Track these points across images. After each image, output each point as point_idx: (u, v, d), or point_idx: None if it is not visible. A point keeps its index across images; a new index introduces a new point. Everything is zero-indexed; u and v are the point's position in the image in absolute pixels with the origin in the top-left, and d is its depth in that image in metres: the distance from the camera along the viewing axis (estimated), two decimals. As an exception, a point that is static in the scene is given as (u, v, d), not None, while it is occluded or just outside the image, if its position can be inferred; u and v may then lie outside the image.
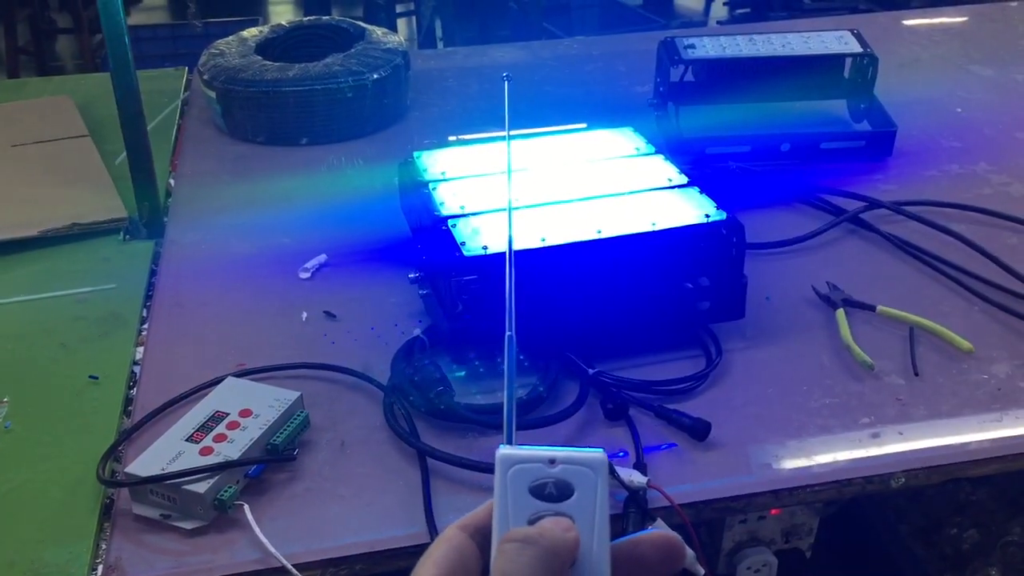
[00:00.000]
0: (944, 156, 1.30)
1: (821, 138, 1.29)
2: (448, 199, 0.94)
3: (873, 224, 1.12)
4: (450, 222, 0.90)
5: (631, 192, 0.94)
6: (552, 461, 0.40)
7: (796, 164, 1.27)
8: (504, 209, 0.91)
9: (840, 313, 0.96)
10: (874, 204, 1.15)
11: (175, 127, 1.41)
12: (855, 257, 1.08)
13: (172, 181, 1.26)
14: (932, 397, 0.87)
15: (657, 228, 0.87)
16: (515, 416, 0.42)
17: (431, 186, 0.97)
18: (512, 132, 1.24)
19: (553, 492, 0.39)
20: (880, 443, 0.82)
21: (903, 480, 0.80)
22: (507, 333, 0.44)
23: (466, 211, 0.91)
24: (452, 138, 1.24)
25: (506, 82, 0.63)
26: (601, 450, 0.40)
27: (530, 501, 0.39)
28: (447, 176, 0.99)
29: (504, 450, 0.40)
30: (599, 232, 0.87)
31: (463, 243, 0.86)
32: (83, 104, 1.43)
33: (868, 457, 0.81)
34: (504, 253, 0.84)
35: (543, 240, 0.86)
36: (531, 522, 0.39)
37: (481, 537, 0.40)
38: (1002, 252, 1.05)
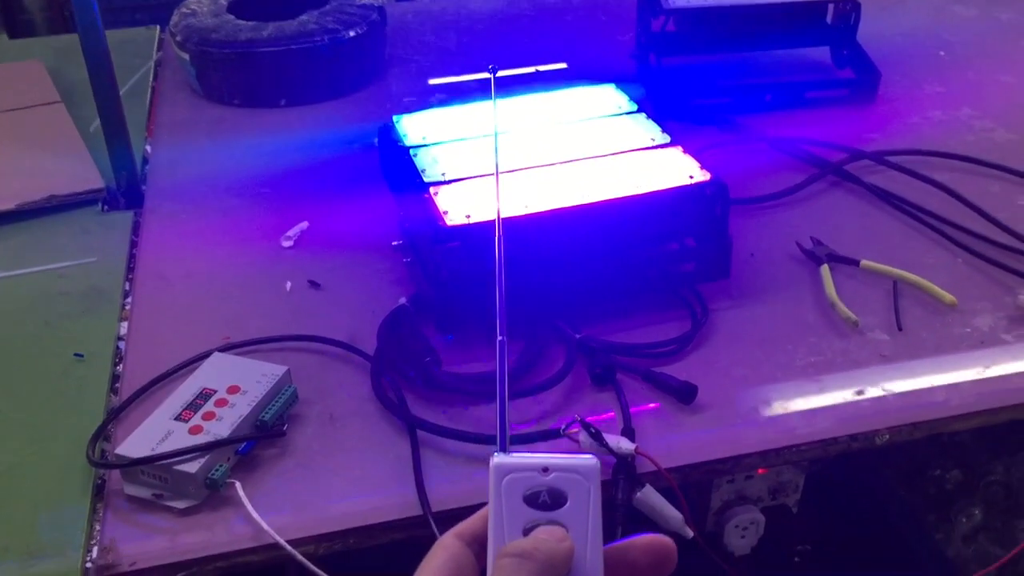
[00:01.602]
0: (927, 102, 1.29)
1: (804, 87, 1.28)
2: (429, 165, 0.93)
3: (856, 175, 1.12)
4: (432, 189, 0.89)
5: (613, 153, 0.94)
6: (545, 469, 0.40)
7: (780, 113, 1.26)
8: (489, 174, 0.90)
9: (824, 269, 0.96)
10: (857, 155, 1.14)
11: (149, 90, 1.38)
12: (839, 210, 1.08)
13: (148, 147, 1.25)
14: (916, 352, 0.88)
15: (640, 191, 0.87)
16: (507, 421, 0.42)
17: (412, 152, 0.96)
18: (491, 74, 1.23)
19: (547, 500, 0.40)
20: (864, 400, 0.83)
21: (887, 437, 0.81)
22: (498, 338, 0.44)
23: (448, 178, 0.91)
24: (433, 81, 1.23)
25: (492, 76, 0.62)
26: (592, 456, 0.41)
27: (525, 510, 0.40)
28: (428, 141, 0.98)
29: (498, 459, 0.41)
30: (582, 197, 0.86)
31: (445, 211, 0.86)
32: (54, 68, 1.40)
33: (853, 415, 0.82)
34: (489, 222, 0.83)
35: (526, 207, 0.85)
36: (526, 531, 0.40)
37: (477, 545, 0.40)
38: (985, 201, 1.06)
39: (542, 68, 1.26)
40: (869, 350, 0.88)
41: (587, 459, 0.41)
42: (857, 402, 0.83)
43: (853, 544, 1.27)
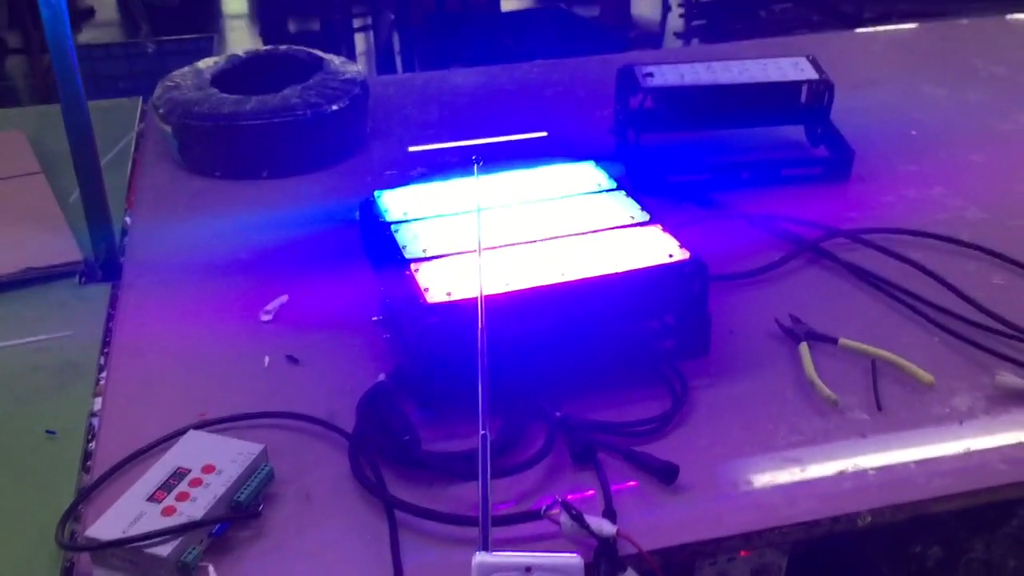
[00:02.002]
0: (901, 181, 1.31)
1: (780, 164, 1.30)
2: (410, 241, 0.93)
3: (833, 253, 1.13)
4: (413, 266, 0.89)
5: (593, 231, 0.94)
6: (528, 569, 0.40)
7: (757, 191, 1.28)
8: (470, 251, 0.90)
9: (803, 347, 0.97)
10: (833, 233, 1.16)
11: (130, 161, 1.38)
12: (816, 287, 1.09)
13: (128, 219, 1.24)
14: (895, 432, 0.88)
15: (619, 270, 0.87)
16: (489, 521, 0.42)
17: (393, 227, 0.96)
18: (473, 142, 1.24)
19: None
20: (845, 480, 0.83)
21: (869, 519, 0.80)
22: (480, 432, 0.44)
23: (429, 254, 0.91)
24: (413, 149, 1.23)
25: (475, 166, 0.63)
26: (576, 555, 0.40)
27: None
28: (409, 216, 0.98)
29: (480, 557, 0.40)
30: (562, 275, 0.86)
31: (426, 288, 0.85)
32: (36, 137, 1.40)
33: (835, 495, 0.81)
34: (469, 300, 0.83)
35: (506, 285, 0.85)
36: None
37: None
38: (960, 280, 1.07)
39: (522, 136, 1.27)
40: (849, 429, 0.88)
41: (570, 558, 0.41)
42: (838, 482, 0.83)
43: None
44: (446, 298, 0.84)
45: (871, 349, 0.96)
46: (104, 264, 1.12)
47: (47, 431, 0.87)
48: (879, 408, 0.90)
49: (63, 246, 1.13)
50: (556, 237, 0.94)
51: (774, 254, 1.13)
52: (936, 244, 1.16)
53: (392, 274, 0.91)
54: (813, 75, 1.35)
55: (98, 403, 0.92)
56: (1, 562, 0.75)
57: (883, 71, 1.70)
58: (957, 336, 0.99)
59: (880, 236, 1.16)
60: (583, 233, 0.94)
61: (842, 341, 0.98)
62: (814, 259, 1.14)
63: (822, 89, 1.35)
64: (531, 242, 0.93)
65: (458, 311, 0.83)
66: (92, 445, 0.87)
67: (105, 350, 1.00)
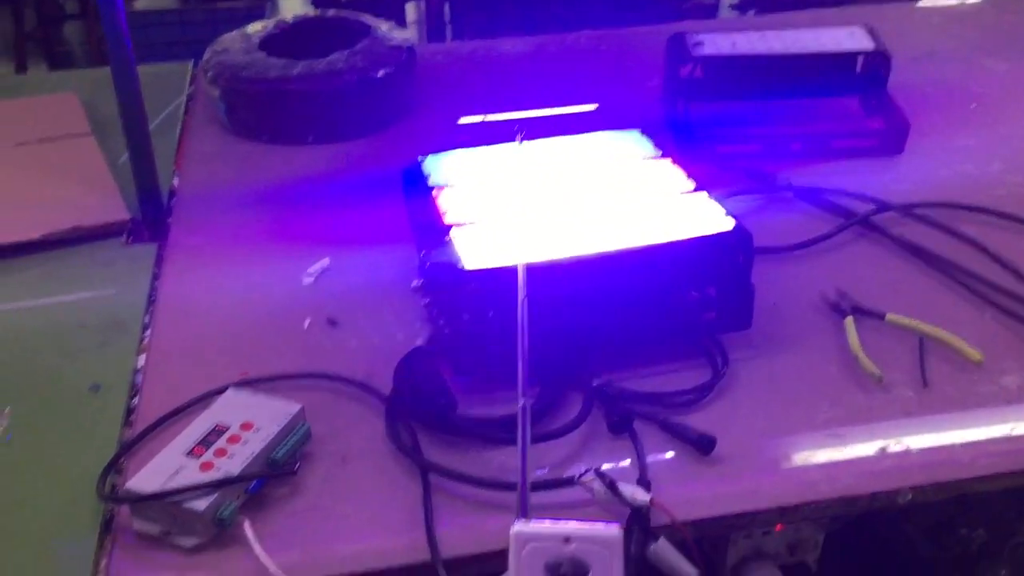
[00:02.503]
0: (958, 155, 1.28)
1: (831, 136, 1.27)
2: (451, 207, 0.93)
3: (883, 227, 1.11)
4: (452, 232, 0.89)
5: (637, 200, 0.93)
6: (567, 539, 0.40)
7: (807, 162, 1.25)
8: (513, 218, 0.90)
9: (849, 321, 0.95)
10: (884, 207, 1.13)
11: (179, 124, 1.40)
12: (865, 262, 1.07)
13: (176, 181, 1.25)
14: (941, 410, 0.86)
15: (663, 240, 0.86)
16: (528, 491, 0.41)
17: (435, 193, 0.96)
18: (523, 114, 1.23)
19: (568, 570, 0.40)
20: (887, 458, 0.81)
21: (909, 496, 0.79)
22: (520, 401, 0.43)
23: (468, 220, 0.90)
24: (463, 120, 1.23)
25: (519, 139, 0.63)
26: (615, 526, 0.40)
27: None
28: (451, 182, 0.98)
29: (518, 527, 0.40)
30: (604, 245, 0.85)
31: (464, 254, 0.85)
32: (91, 100, 1.41)
33: (875, 472, 0.80)
34: (508, 267, 0.83)
35: (547, 254, 0.85)
36: None
37: None
38: (1016, 257, 1.04)
39: (573, 109, 1.26)
40: (893, 406, 0.86)
41: (609, 529, 0.40)
42: (879, 459, 0.81)
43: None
44: (483, 264, 0.83)
45: (919, 325, 0.94)
46: (151, 224, 1.13)
47: (92, 386, 0.89)
48: (925, 385, 0.88)
49: (111, 206, 1.15)
50: (599, 206, 0.92)
51: (822, 227, 1.11)
52: (992, 220, 1.12)
53: (431, 239, 0.91)
54: (869, 45, 1.31)
55: (142, 360, 0.93)
56: (45, 513, 0.77)
57: (943, 44, 1.65)
58: (1009, 314, 0.96)
59: (933, 210, 1.13)
60: (627, 202, 0.93)
61: (889, 316, 0.96)
62: (864, 233, 1.12)
63: (878, 60, 1.31)
64: (574, 210, 0.92)
65: (495, 278, 0.82)
66: (135, 401, 0.88)
67: (150, 308, 1.01)
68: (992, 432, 0.84)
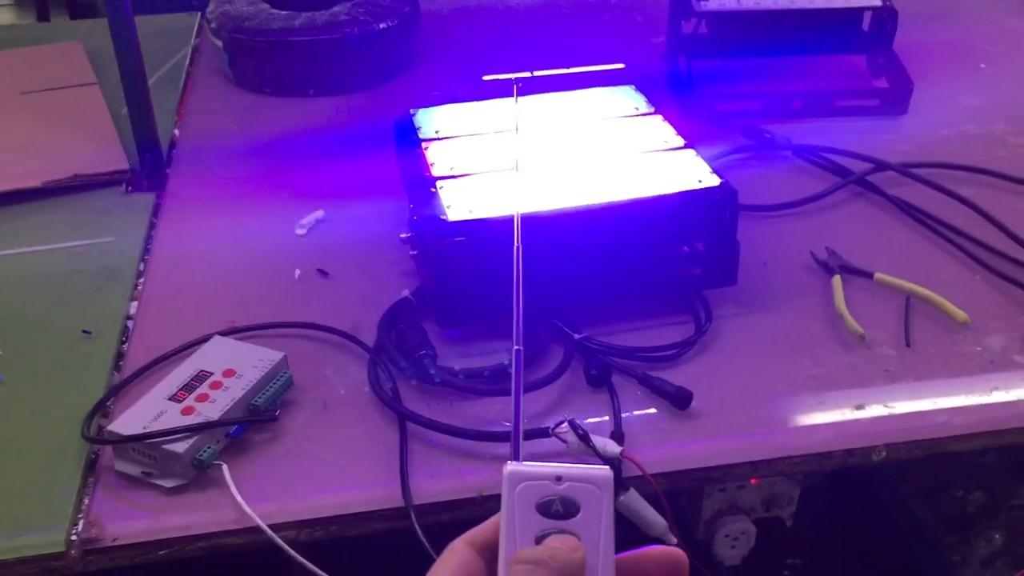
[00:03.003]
0: (961, 114, 1.26)
1: (834, 95, 1.26)
2: (439, 159, 0.93)
3: (880, 187, 1.10)
4: (438, 183, 0.89)
5: (625, 155, 0.93)
6: (559, 478, 0.40)
7: (808, 120, 1.24)
8: (497, 171, 0.90)
9: (836, 280, 0.95)
10: (881, 166, 1.12)
11: (184, 75, 1.40)
12: (858, 221, 1.06)
13: (177, 131, 1.26)
14: (922, 369, 0.86)
15: (648, 194, 0.86)
16: (521, 433, 0.43)
17: (424, 145, 0.96)
18: (546, 72, 1.22)
19: (559, 509, 0.40)
20: (864, 415, 0.81)
21: (884, 454, 0.79)
22: (515, 347, 0.44)
23: (455, 172, 0.91)
24: (487, 77, 1.22)
25: (515, 87, 0.63)
26: (607, 467, 0.41)
27: (537, 518, 0.40)
28: (440, 135, 0.98)
29: (511, 466, 0.41)
30: (589, 198, 0.86)
31: (449, 206, 0.86)
32: (100, 49, 1.42)
33: (851, 430, 0.80)
34: (493, 219, 0.83)
35: (531, 206, 0.85)
36: (538, 539, 0.40)
37: (488, 553, 0.40)
38: (1010, 219, 1.03)
39: (598, 68, 1.26)
40: (874, 365, 0.86)
41: (601, 469, 0.41)
42: (857, 417, 0.81)
43: (854, 560, 1.25)
44: (468, 216, 0.84)
45: (907, 284, 0.94)
46: (150, 174, 1.14)
47: (83, 331, 0.91)
48: (908, 345, 0.88)
49: (111, 155, 1.16)
50: (585, 160, 0.92)
51: (818, 186, 1.10)
52: (990, 181, 1.11)
53: (419, 191, 0.91)
54: (876, 2, 1.29)
55: (134, 307, 0.95)
56: (33, 452, 0.78)
57: (960, 3, 1.62)
58: (999, 275, 0.96)
59: (931, 171, 1.12)
60: (614, 157, 0.93)
61: (878, 276, 0.95)
62: (860, 192, 1.11)
63: (885, 16, 1.30)
64: (560, 164, 0.92)
65: (478, 229, 0.83)
66: (125, 346, 0.90)
67: (145, 257, 1.02)
68: (972, 392, 0.83)
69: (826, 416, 0.81)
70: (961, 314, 0.90)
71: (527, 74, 1.21)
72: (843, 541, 1.25)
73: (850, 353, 0.88)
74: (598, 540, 0.40)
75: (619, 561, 0.39)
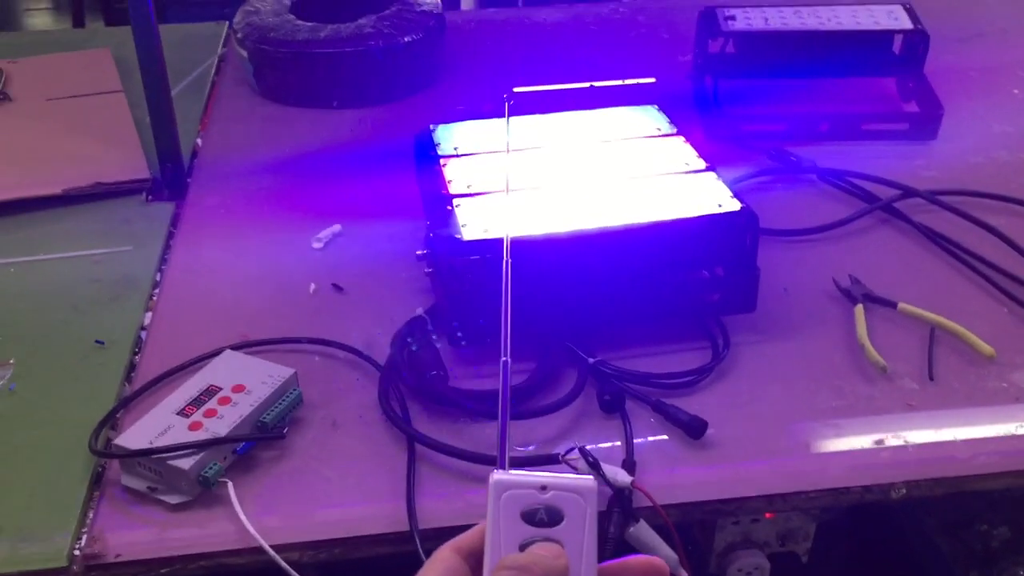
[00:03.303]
0: (994, 141, 1.24)
1: (861, 118, 1.24)
2: (456, 177, 0.92)
3: (906, 214, 1.08)
4: (455, 201, 0.88)
5: (645, 176, 0.92)
6: (544, 487, 0.41)
7: (835, 144, 1.22)
8: (515, 190, 0.89)
9: (859, 309, 0.93)
10: (909, 193, 1.10)
11: (209, 84, 1.41)
12: (883, 248, 1.04)
13: (199, 141, 1.26)
14: (944, 404, 0.84)
15: (667, 218, 0.85)
16: (508, 440, 0.43)
17: (442, 162, 0.95)
18: (575, 85, 1.22)
19: (544, 518, 0.41)
20: (884, 451, 0.79)
21: (904, 491, 0.77)
22: (502, 359, 0.45)
23: (473, 191, 0.90)
24: (517, 90, 1.21)
25: (507, 104, 0.63)
26: (591, 477, 0.42)
27: (521, 526, 0.41)
28: (460, 151, 0.97)
29: (497, 475, 0.41)
30: (607, 220, 0.84)
31: (464, 225, 0.85)
32: (129, 56, 1.41)
33: (869, 464, 0.78)
34: (504, 239, 0.82)
35: (549, 227, 0.84)
36: (522, 547, 0.40)
37: (474, 559, 0.41)
38: (1040, 250, 1.00)
39: (628, 82, 1.25)
40: (895, 398, 0.84)
41: (585, 479, 0.42)
42: (876, 451, 0.79)
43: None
44: (483, 235, 0.83)
45: (931, 316, 0.92)
46: (170, 183, 1.14)
47: (97, 341, 0.90)
48: (931, 378, 0.86)
49: (133, 164, 1.16)
50: (604, 180, 0.91)
51: (843, 211, 1.09)
52: (1019, 210, 1.09)
53: (436, 209, 0.90)
54: (908, 25, 1.27)
55: (148, 318, 0.95)
56: (41, 462, 0.78)
57: (994, 24, 1.60)
58: (1027, 309, 0.94)
59: (960, 199, 1.10)
60: (633, 178, 0.91)
61: (901, 306, 0.93)
62: (886, 219, 1.09)
63: (916, 40, 1.27)
64: (579, 184, 0.91)
65: (492, 249, 0.81)
66: (137, 357, 0.90)
67: (162, 267, 1.02)
68: (995, 429, 0.81)
69: (844, 450, 0.80)
70: (987, 348, 0.88)
71: (556, 87, 1.21)
72: (860, 573, 1.22)
73: (871, 385, 0.86)
74: (581, 548, 0.40)
75: (601, 570, 0.40)
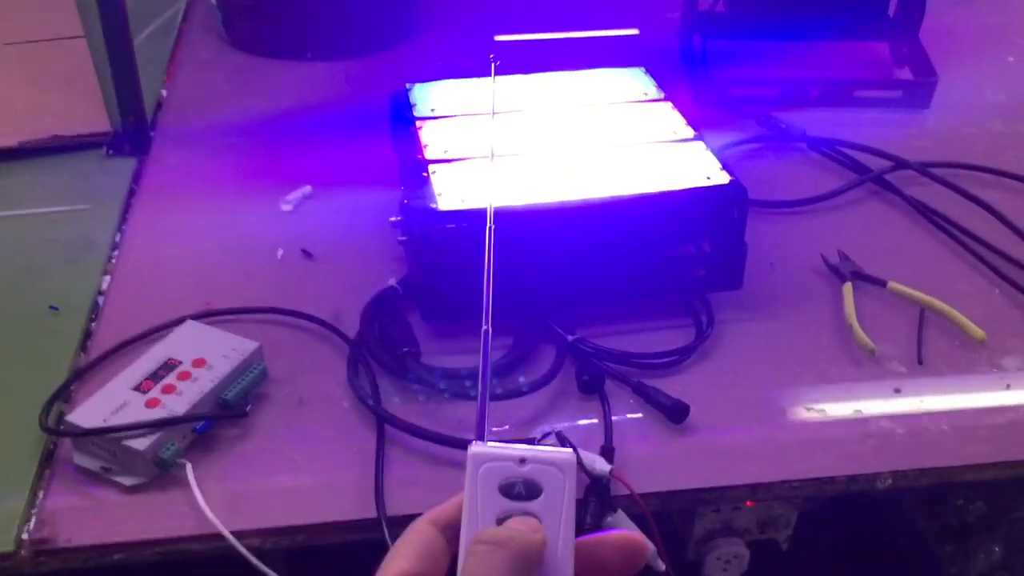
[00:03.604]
0: (988, 110, 1.21)
1: (854, 84, 1.20)
2: (432, 141, 0.88)
3: (898, 186, 1.04)
4: (431, 168, 0.84)
5: (630, 144, 0.87)
6: (522, 460, 0.41)
7: (826, 110, 1.18)
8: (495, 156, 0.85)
9: (847, 288, 0.90)
10: (900, 164, 1.06)
11: (176, 31, 1.34)
12: (874, 223, 1.01)
13: (164, 91, 1.21)
14: (933, 390, 0.81)
15: (651, 190, 0.81)
16: (487, 413, 0.42)
17: (418, 124, 0.91)
18: (560, 35, 1.17)
19: (522, 491, 0.40)
20: (869, 439, 0.77)
21: (889, 481, 0.75)
22: (483, 327, 0.44)
23: (449, 156, 0.85)
24: (499, 38, 1.15)
25: (493, 65, 0.59)
26: (570, 450, 0.42)
27: (499, 499, 0.40)
28: (436, 113, 0.92)
29: (475, 448, 0.41)
30: (589, 191, 0.80)
31: (440, 193, 0.80)
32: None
33: (855, 453, 0.76)
34: (483, 209, 0.78)
35: (528, 197, 0.80)
36: (500, 520, 0.40)
37: (451, 532, 0.40)
38: (1034, 227, 0.98)
39: (611, 33, 1.20)
40: (883, 382, 0.82)
41: (564, 452, 0.41)
42: (862, 440, 0.77)
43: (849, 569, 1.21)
44: (459, 205, 0.79)
45: (922, 296, 0.89)
46: (132, 137, 1.09)
47: (51, 307, 0.86)
48: (920, 362, 0.83)
49: (93, 115, 1.10)
50: (588, 148, 0.87)
51: (833, 182, 1.05)
52: (1016, 185, 1.06)
53: (411, 174, 0.86)
54: (904, -14, 1.23)
55: (106, 281, 0.90)
56: (-12, 438, 0.74)
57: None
58: (1020, 289, 0.91)
59: (952, 171, 1.06)
60: (618, 146, 0.87)
61: (891, 284, 0.90)
62: (876, 191, 1.05)
63: (911, 3, 1.23)
64: (560, 152, 0.87)
65: (469, 219, 0.77)
66: (94, 325, 0.85)
67: (122, 227, 0.97)
68: (985, 418, 0.79)
69: (829, 437, 0.77)
70: (978, 331, 0.85)
71: (540, 36, 1.16)
72: (839, 560, 1.21)
73: (858, 368, 0.83)
74: (559, 523, 0.40)
75: (579, 544, 0.40)
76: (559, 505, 0.40)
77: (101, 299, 0.88)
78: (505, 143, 0.87)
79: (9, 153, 1.05)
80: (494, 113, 0.90)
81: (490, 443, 0.41)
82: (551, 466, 0.41)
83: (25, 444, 0.73)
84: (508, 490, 0.40)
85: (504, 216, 0.79)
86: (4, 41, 1.24)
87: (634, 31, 1.15)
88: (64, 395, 0.77)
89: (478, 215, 0.78)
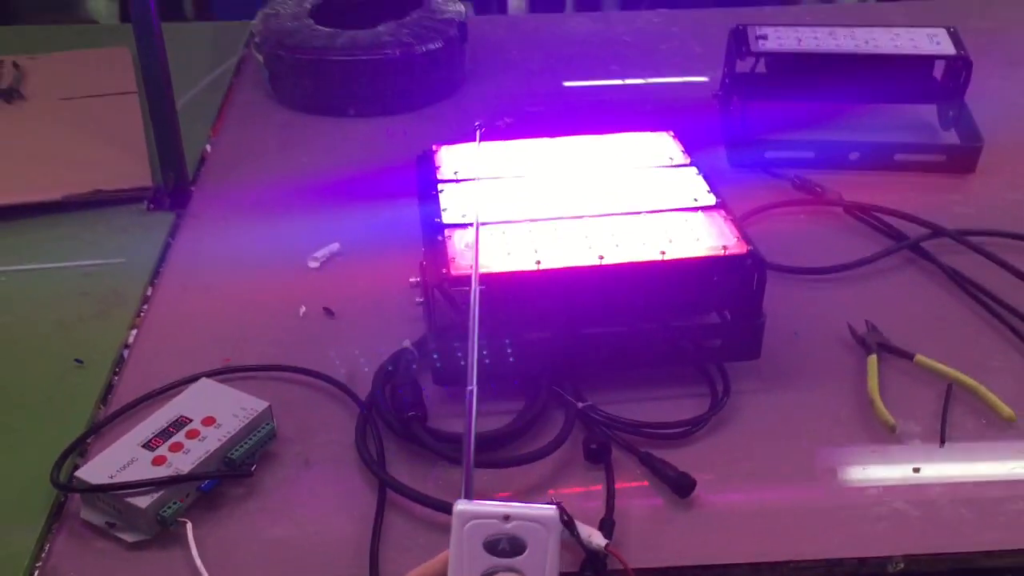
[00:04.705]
0: (1035, 176, 1.17)
1: (894, 148, 1.17)
2: (451, 205, 0.88)
3: (933, 254, 1.02)
4: (447, 231, 0.84)
5: (649, 211, 0.87)
6: (507, 517, 0.42)
7: (865, 174, 1.16)
8: (514, 221, 0.85)
9: (871, 360, 0.87)
10: (938, 232, 1.04)
11: (227, 86, 1.38)
12: (906, 291, 0.98)
13: (208, 147, 1.24)
14: (954, 470, 0.78)
15: (666, 257, 0.80)
16: (472, 473, 0.45)
17: (439, 187, 0.91)
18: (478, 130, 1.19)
19: (506, 548, 0.41)
20: (883, 520, 0.74)
21: (901, 565, 0.72)
22: (468, 388, 0.46)
23: (467, 220, 0.86)
24: (568, 84, 1.16)
25: (478, 131, 0.60)
26: (554, 507, 0.43)
27: (484, 556, 0.41)
28: (459, 176, 0.93)
29: (460, 505, 0.42)
30: (600, 257, 0.80)
31: (453, 257, 0.81)
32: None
33: (867, 535, 0.73)
34: (499, 274, 0.79)
35: (540, 261, 0.79)
36: None
37: None
38: (1076, 302, 0.94)
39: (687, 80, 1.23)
40: (902, 461, 0.79)
41: (547, 509, 0.42)
42: (875, 520, 0.74)
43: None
44: (470, 270, 0.79)
45: (950, 371, 0.86)
46: (173, 192, 1.12)
47: (76, 360, 0.88)
48: (942, 443, 0.80)
49: (136, 171, 1.14)
50: (607, 213, 0.87)
51: (867, 248, 1.03)
52: (1058, 256, 1.02)
53: (430, 236, 0.86)
54: (950, 50, 1.21)
55: (133, 335, 0.92)
56: (3, 489, 0.76)
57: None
58: (1055, 367, 0.87)
59: (993, 240, 1.03)
60: (636, 212, 0.87)
61: (918, 358, 0.88)
62: (912, 259, 1.03)
63: (959, 67, 1.21)
64: (581, 215, 0.86)
65: (483, 282, 0.77)
66: (116, 379, 0.87)
67: (154, 281, 1.00)
68: (1007, 503, 0.76)
69: (841, 517, 0.74)
70: (1007, 410, 0.82)
71: (610, 82, 1.15)
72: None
73: (877, 446, 0.80)
74: None
75: None
76: (543, 561, 0.41)
77: (126, 352, 0.90)
78: (523, 206, 0.88)
79: (54, 207, 1.08)
80: (478, 178, 0.91)
81: (475, 501, 0.42)
82: (535, 523, 0.42)
83: (38, 496, 0.75)
84: (493, 547, 0.41)
85: (518, 280, 0.79)
86: (60, 96, 1.30)
87: (703, 78, 1.15)
88: (80, 448, 0.79)
89: (492, 279, 0.78)
